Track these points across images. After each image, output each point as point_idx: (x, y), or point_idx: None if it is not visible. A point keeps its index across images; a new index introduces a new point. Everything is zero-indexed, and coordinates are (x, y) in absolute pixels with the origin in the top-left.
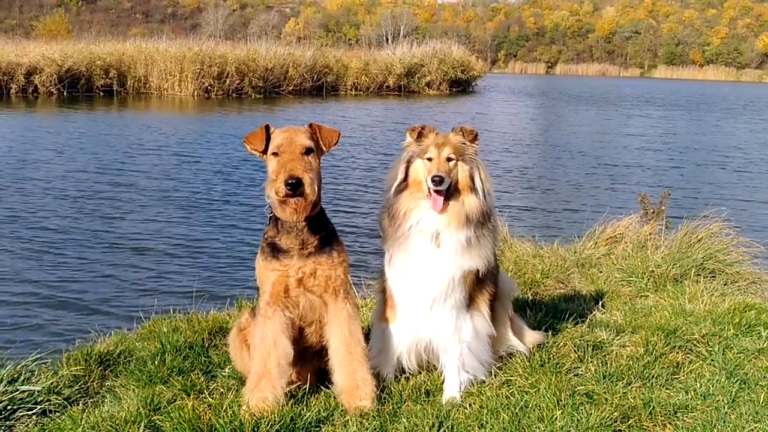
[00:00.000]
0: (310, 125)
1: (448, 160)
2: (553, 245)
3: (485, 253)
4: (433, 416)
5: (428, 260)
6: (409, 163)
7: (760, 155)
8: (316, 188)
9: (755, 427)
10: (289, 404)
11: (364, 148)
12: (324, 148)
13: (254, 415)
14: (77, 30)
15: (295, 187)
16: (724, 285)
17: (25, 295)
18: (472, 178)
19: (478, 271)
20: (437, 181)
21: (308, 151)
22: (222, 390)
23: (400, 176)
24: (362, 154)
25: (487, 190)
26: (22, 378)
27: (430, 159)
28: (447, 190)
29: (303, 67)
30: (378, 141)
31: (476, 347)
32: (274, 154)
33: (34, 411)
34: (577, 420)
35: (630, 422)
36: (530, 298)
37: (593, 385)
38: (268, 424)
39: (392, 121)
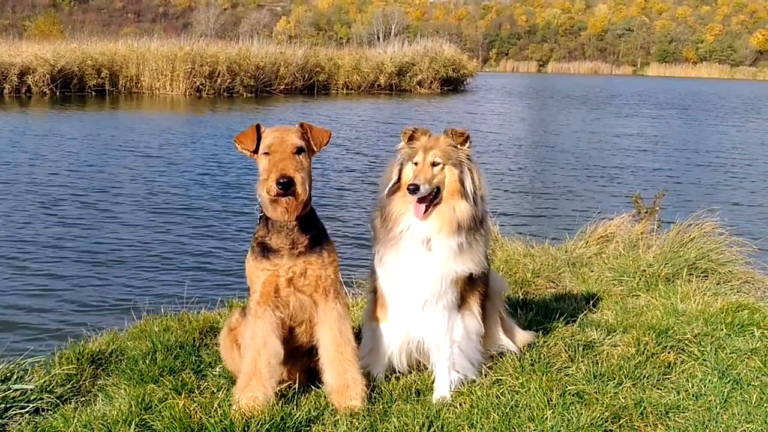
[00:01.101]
0: (301, 125)
1: (434, 164)
2: (544, 244)
3: (477, 257)
4: (423, 416)
5: (420, 264)
6: (402, 165)
7: (753, 156)
8: (308, 188)
9: (747, 428)
10: (280, 404)
11: (354, 147)
12: (315, 148)
13: (244, 414)
14: (69, 30)
15: (286, 186)
16: (717, 284)
17: (18, 295)
18: (462, 183)
19: (470, 273)
20: (411, 189)
21: (299, 150)
22: (213, 389)
23: (394, 178)
24: (352, 154)
25: (481, 195)
26: (15, 377)
27: (416, 163)
28: (435, 196)
29: (294, 66)
30: (368, 141)
31: (466, 347)
32: (265, 153)
33: (26, 409)
34: (568, 420)
35: (621, 422)
36: (521, 297)
37: (584, 384)
38: (258, 424)
39: (382, 121)
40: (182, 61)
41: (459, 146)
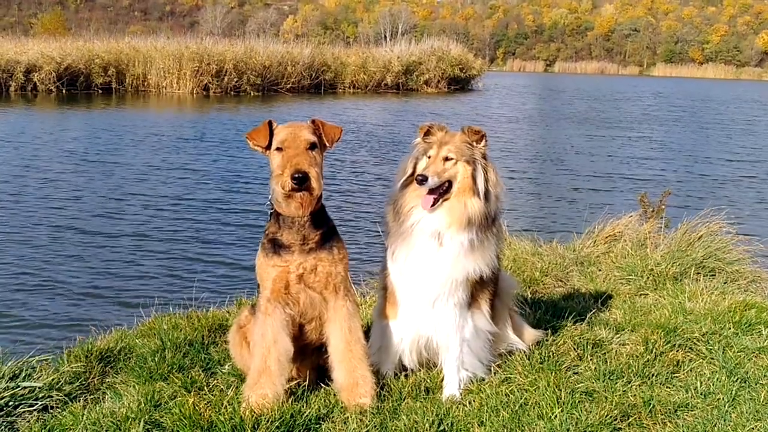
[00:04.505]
0: (313, 121)
1: (447, 159)
2: (552, 243)
3: (489, 256)
4: (432, 414)
5: (431, 259)
6: (417, 160)
7: (756, 159)
8: (321, 183)
9: (756, 426)
10: (289, 401)
11: (361, 146)
12: (327, 144)
13: (254, 411)
14: (76, 27)
15: (301, 181)
16: (724, 283)
17: (26, 293)
18: (474, 180)
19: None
20: (419, 179)
21: (312, 146)
22: (222, 387)
23: (408, 171)
24: (359, 152)
25: (496, 194)
26: (24, 374)
27: (430, 157)
28: (446, 191)
29: (301, 65)
30: (375, 139)
31: (476, 345)
32: (278, 149)
33: (35, 407)
34: (577, 418)
35: (630, 420)
36: (529, 296)
37: (593, 383)
38: (268, 421)
39: (389, 121)
40: (189, 59)
41: (474, 144)
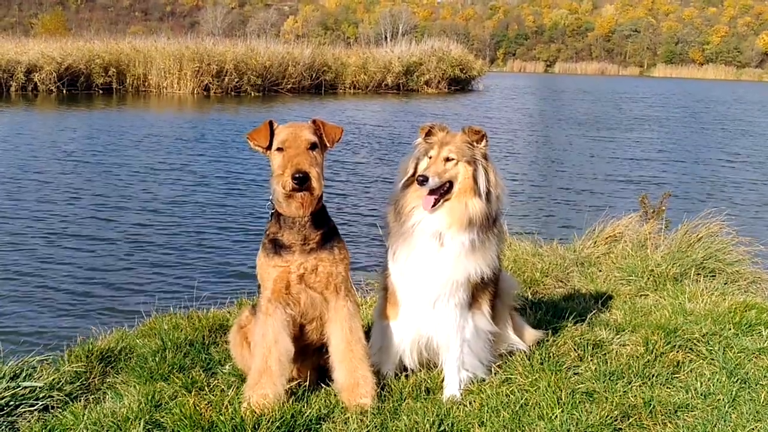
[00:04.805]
0: (314, 121)
1: (448, 160)
2: (553, 244)
3: (489, 256)
4: (433, 414)
5: (432, 259)
6: (418, 160)
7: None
8: (322, 183)
9: (756, 427)
10: (290, 401)
11: (361, 147)
12: (328, 144)
13: (255, 411)
14: (76, 28)
15: (302, 181)
16: (724, 284)
17: (27, 293)
18: (475, 180)
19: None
20: (420, 180)
21: (313, 146)
22: (223, 387)
23: (410, 172)
24: (359, 153)
25: (497, 194)
26: (24, 374)
27: (431, 157)
28: (447, 191)
29: (301, 66)
30: (375, 140)
31: (476, 346)
32: (279, 149)
33: (36, 407)
34: (577, 418)
35: (630, 421)
36: (530, 296)
37: (593, 383)
38: (268, 421)
39: (387, 121)
40: (190, 59)
41: (475, 144)
